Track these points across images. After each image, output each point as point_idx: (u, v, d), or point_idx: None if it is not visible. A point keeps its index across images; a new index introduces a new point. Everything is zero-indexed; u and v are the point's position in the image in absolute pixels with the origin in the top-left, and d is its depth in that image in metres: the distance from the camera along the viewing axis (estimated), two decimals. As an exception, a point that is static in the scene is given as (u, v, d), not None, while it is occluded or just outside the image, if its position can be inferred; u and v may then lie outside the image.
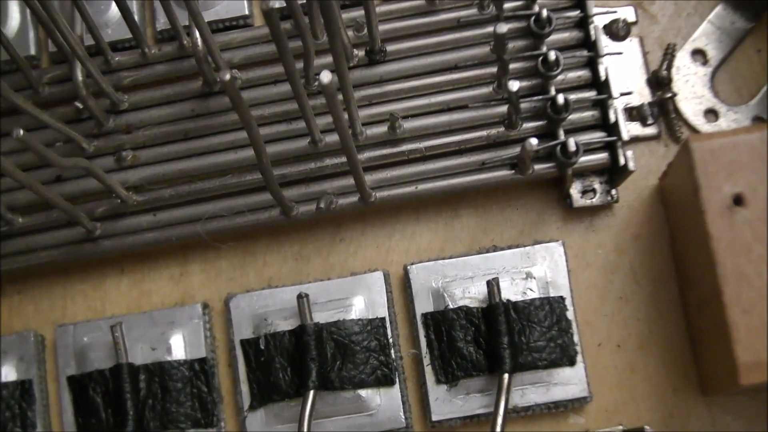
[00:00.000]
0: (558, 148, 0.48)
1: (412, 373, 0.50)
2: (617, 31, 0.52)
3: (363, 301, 0.50)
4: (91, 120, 0.52)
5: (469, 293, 0.49)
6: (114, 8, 0.53)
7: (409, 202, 0.51)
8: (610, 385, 0.49)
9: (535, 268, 0.49)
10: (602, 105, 0.50)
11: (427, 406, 0.48)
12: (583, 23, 0.51)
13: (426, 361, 0.49)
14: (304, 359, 0.47)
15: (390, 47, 0.51)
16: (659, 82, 0.52)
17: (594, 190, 0.51)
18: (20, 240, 0.51)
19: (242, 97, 0.39)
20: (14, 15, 0.55)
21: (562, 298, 0.49)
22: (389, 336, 0.49)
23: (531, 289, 0.49)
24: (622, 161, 0.48)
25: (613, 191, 0.51)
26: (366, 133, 0.50)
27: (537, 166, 0.49)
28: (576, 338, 0.48)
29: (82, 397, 0.50)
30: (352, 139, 0.44)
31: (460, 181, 0.50)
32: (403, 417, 0.48)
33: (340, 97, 0.45)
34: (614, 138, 0.49)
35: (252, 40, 0.52)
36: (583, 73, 0.50)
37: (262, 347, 0.49)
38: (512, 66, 0.50)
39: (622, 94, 0.50)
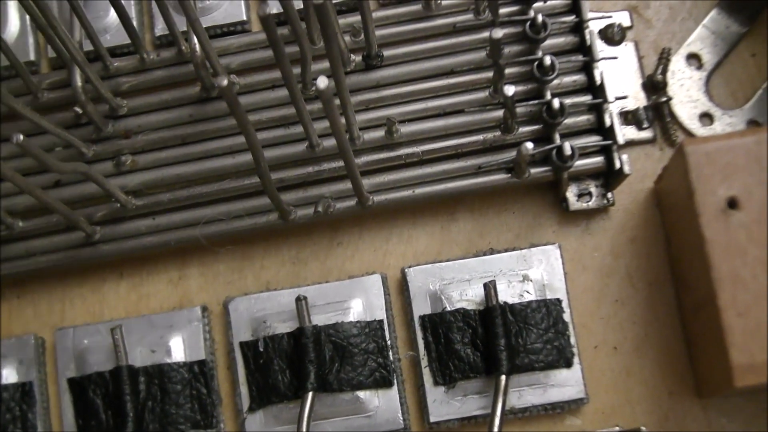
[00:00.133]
0: (554, 152, 0.49)
1: (410, 374, 0.50)
2: (612, 35, 0.53)
3: (361, 303, 0.50)
4: (90, 125, 0.52)
5: (467, 296, 0.49)
6: (113, 14, 0.53)
7: (406, 206, 0.51)
8: (606, 387, 0.49)
9: (532, 271, 0.50)
10: (598, 109, 0.50)
11: (424, 407, 0.49)
12: (578, 28, 0.51)
13: (424, 363, 0.49)
14: (303, 361, 0.47)
15: (387, 52, 0.51)
16: (654, 86, 0.52)
17: (590, 194, 0.51)
18: (20, 244, 0.52)
19: (240, 102, 0.40)
20: (13, 21, 0.55)
21: (558, 301, 0.49)
22: (387, 338, 0.50)
23: (528, 292, 0.49)
24: (617, 165, 0.49)
25: (609, 195, 0.51)
26: (363, 138, 0.50)
27: (533, 170, 0.50)
28: (573, 340, 0.49)
29: (82, 399, 0.50)
30: (349, 143, 0.45)
31: (457, 184, 0.50)
32: (401, 418, 0.49)
33: (337, 101, 0.46)
34: (610, 142, 0.49)
35: (249, 45, 0.53)
36: (579, 78, 0.51)
37: (261, 349, 0.49)
38: (508, 71, 0.50)
39: (618, 98, 0.51)
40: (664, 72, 0.52)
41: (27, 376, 0.51)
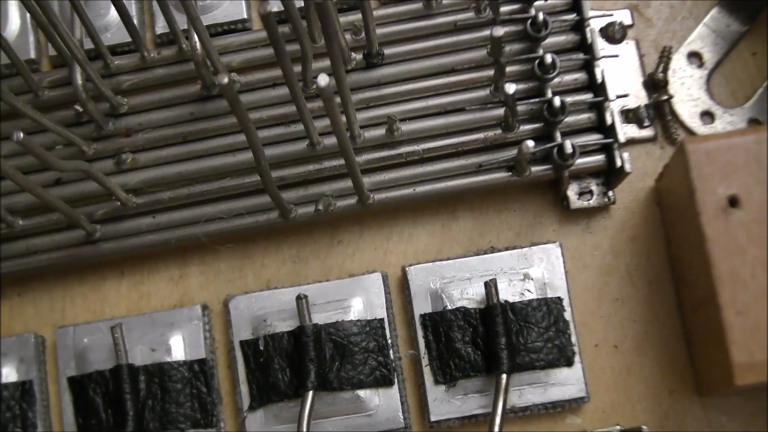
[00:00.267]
0: (554, 150, 0.49)
1: (410, 373, 0.50)
2: (613, 34, 0.53)
3: (361, 302, 0.50)
4: (91, 123, 0.52)
5: (467, 294, 0.49)
6: (113, 12, 0.53)
7: (407, 204, 0.51)
8: (606, 385, 0.49)
9: (533, 270, 0.50)
10: (598, 107, 0.50)
11: (425, 406, 0.49)
12: (579, 26, 0.51)
13: (424, 361, 0.49)
14: (303, 360, 0.47)
15: (387, 50, 0.51)
16: (655, 84, 0.52)
17: (590, 192, 0.51)
18: (20, 242, 0.52)
19: (240, 100, 0.40)
20: (14, 19, 0.55)
21: (559, 299, 0.49)
22: (388, 337, 0.49)
23: (528, 290, 0.49)
24: (618, 163, 0.49)
25: (610, 193, 0.51)
26: (364, 136, 0.50)
27: (534, 169, 0.50)
28: (573, 339, 0.49)
29: (82, 397, 0.50)
30: (349, 141, 0.45)
31: (458, 183, 0.50)
32: (402, 417, 0.49)
33: (338, 100, 0.46)
34: (610, 140, 0.49)
35: (250, 43, 0.53)
36: (580, 76, 0.51)
37: (261, 348, 0.49)
38: (509, 69, 0.50)
39: (618, 97, 0.51)
40: (665, 70, 0.52)
41: (27, 374, 0.51)
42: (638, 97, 0.52)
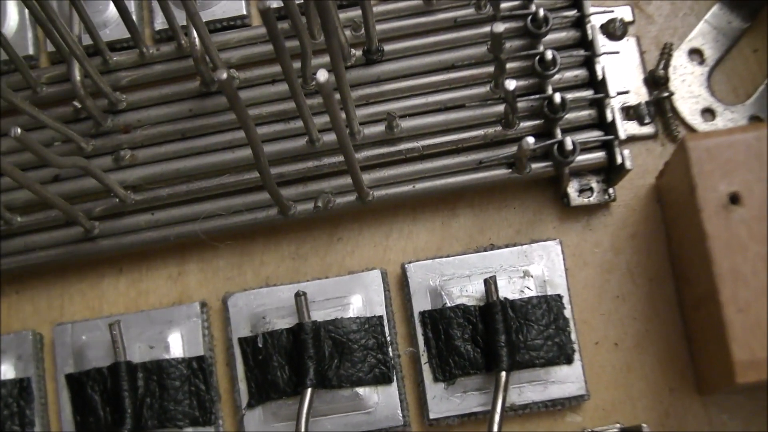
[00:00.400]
0: (555, 147, 0.48)
1: (409, 371, 0.50)
2: (614, 30, 0.53)
3: (361, 299, 0.50)
4: (90, 120, 0.52)
5: (467, 292, 0.49)
6: (112, 8, 0.53)
7: (406, 201, 0.51)
8: (607, 383, 0.49)
9: (533, 267, 0.50)
10: (599, 104, 0.50)
11: (424, 404, 0.49)
12: (580, 23, 0.51)
13: (423, 359, 0.49)
14: (302, 357, 0.47)
15: (387, 47, 0.51)
16: (656, 81, 0.52)
17: (591, 189, 0.51)
18: (19, 239, 0.51)
19: (239, 96, 0.39)
20: (12, 15, 0.55)
21: (559, 297, 0.49)
22: (387, 334, 0.49)
23: (528, 288, 0.49)
24: (618, 160, 0.48)
25: (610, 190, 0.51)
26: (363, 133, 0.50)
27: (534, 165, 0.50)
28: (573, 336, 0.48)
29: (80, 395, 0.50)
30: (349, 138, 0.44)
31: (458, 180, 0.50)
32: (401, 415, 0.49)
33: (338, 96, 0.45)
34: (611, 137, 0.49)
35: (249, 39, 0.52)
36: (580, 73, 0.50)
37: (260, 345, 0.49)
38: (509, 65, 0.50)
39: (619, 93, 0.51)
40: (666, 67, 0.52)
41: (25, 371, 0.51)
42: (639, 94, 0.52)
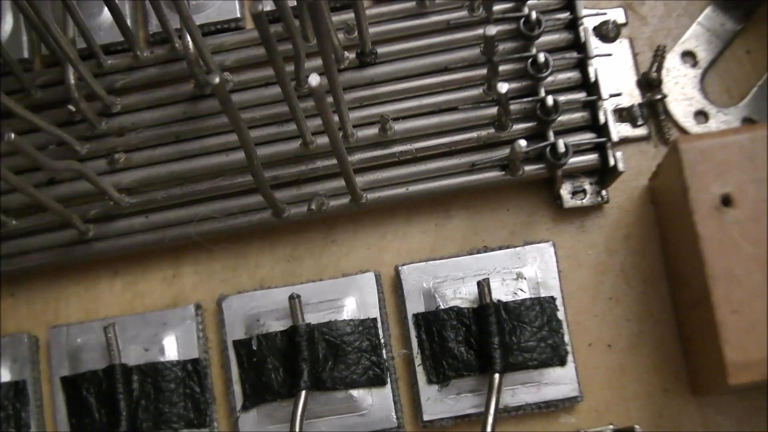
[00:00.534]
0: (547, 149, 0.48)
1: (403, 373, 0.50)
2: (607, 32, 0.53)
3: (355, 301, 0.50)
4: (84, 123, 0.52)
5: (460, 294, 0.49)
6: (106, 12, 0.53)
7: (400, 204, 0.51)
8: (600, 384, 0.49)
9: (526, 269, 0.50)
10: (592, 106, 0.50)
11: (418, 406, 0.49)
12: (572, 25, 0.51)
13: (417, 361, 0.49)
14: (296, 360, 0.47)
15: (381, 49, 0.51)
16: (649, 83, 0.52)
17: (584, 191, 0.51)
18: (14, 242, 0.51)
19: (232, 100, 0.39)
20: (7, 18, 0.55)
21: (552, 299, 0.49)
22: (381, 336, 0.49)
23: (522, 290, 0.49)
24: (611, 162, 0.49)
25: (604, 192, 0.51)
26: (357, 135, 0.50)
27: (527, 168, 0.50)
28: (567, 338, 0.49)
29: (75, 397, 0.50)
30: (342, 141, 0.45)
31: (451, 182, 0.50)
32: (395, 417, 0.49)
33: (331, 99, 0.46)
34: (604, 139, 0.49)
35: (243, 42, 0.53)
36: (573, 75, 0.51)
37: (255, 348, 0.49)
38: (502, 68, 0.50)
39: (612, 96, 0.51)
40: (659, 69, 0.52)
41: (21, 374, 0.51)
42: (632, 96, 0.52)
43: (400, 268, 0.50)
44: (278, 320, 0.50)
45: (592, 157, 0.50)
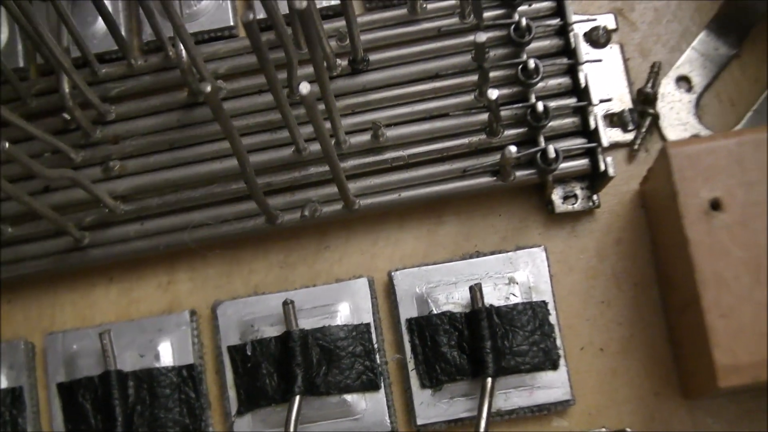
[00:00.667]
0: (538, 155, 0.49)
1: (397, 377, 0.50)
2: (597, 38, 0.53)
3: (348, 307, 0.50)
4: (79, 131, 0.52)
5: (453, 298, 0.50)
6: (100, 21, 0.53)
7: (393, 210, 0.52)
8: (592, 388, 0.50)
9: (518, 274, 0.50)
10: (582, 112, 0.50)
11: (412, 410, 0.49)
12: (563, 31, 0.51)
13: (410, 365, 0.49)
14: (290, 365, 0.48)
15: (373, 56, 0.52)
16: (645, 99, 0.52)
17: (575, 196, 0.51)
18: (9, 250, 0.52)
19: (223, 107, 0.40)
20: (3, 28, 0.55)
21: (544, 303, 0.49)
22: (374, 341, 0.50)
23: (514, 294, 0.49)
24: (602, 167, 0.49)
25: (595, 197, 0.51)
26: (349, 142, 0.50)
27: (518, 173, 0.50)
28: (559, 342, 0.49)
29: (71, 403, 0.50)
30: (334, 147, 0.45)
31: (443, 188, 0.50)
32: (389, 421, 0.49)
33: (322, 106, 0.46)
34: (594, 144, 0.49)
35: (236, 51, 0.53)
36: (564, 81, 0.51)
37: (249, 353, 0.50)
38: (493, 74, 0.50)
39: (602, 101, 0.51)
40: (654, 85, 0.52)
41: (17, 381, 0.51)
42: (622, 102, 0.53)
43: (393, 273, 0.51)
44: (272, 326, 0.50)
45: (582, 162, 0.50)
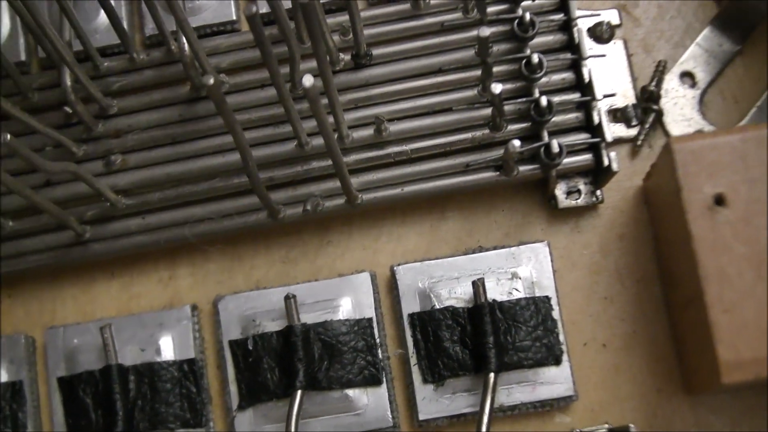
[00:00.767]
0: (542, 149, 0.49)
1: (399, 372, 0.50)
2: (601, 33, 0.53)
3: (350, 302, 0.50)
4: (81, 125, 0.52)
5: (455, 294, 0.49)
6: (103, 14, 0.53)
7: (395, 204, 0.52)
8: (595, 384, 0.50)
9: (521, 269, 0.50)
10: (586, 107, 0.50)
11: (414, 405, 0.49)
12: (566, 26, 0.51)
13: (413, 361, 0.49)
14: (292, 360, 0.48)
15: (376, 51, 0.52)
16: (648, 97, 0.52)
17: (579, 191, 0.51)
18: (10, 244, 0.52)
19: (226, 101, 0.40)
20: (5, 22, 0.55)
21: (547, 298, 0.49)
22: (376, 336, 0.50)
23: (516, 290, 0.49)
24: (605, 162, 0.49)
25: (598, 192, 0.51)
26: (352, 136, 0.50)
27: (522, 168, 0.50)
28: (561, 338, 0.49)
29: (72, 398, 0.50)
30: (336, 142, 0.45)
31: (446, 183, 0.50)
32: (391, 416, 0.49)
33: (325, 101, 0.46)
34: (598, 139, 0.49)
35: (239, 45, 0.53)
36: (567, 76, 0.51)
37: (250, 348, 0.49)
38: (496, 69, 0.50)
39: (606, 96, 0.51)
40: (659, 84, 0.52)
41: (17, 375, 0.51)
42: (626, 97, 0.52)
43: (395, 268, 0.50)
44: (274, 321, 0.50)
45: (586, 158, 0.50)
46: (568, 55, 0.51)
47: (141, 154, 0.52)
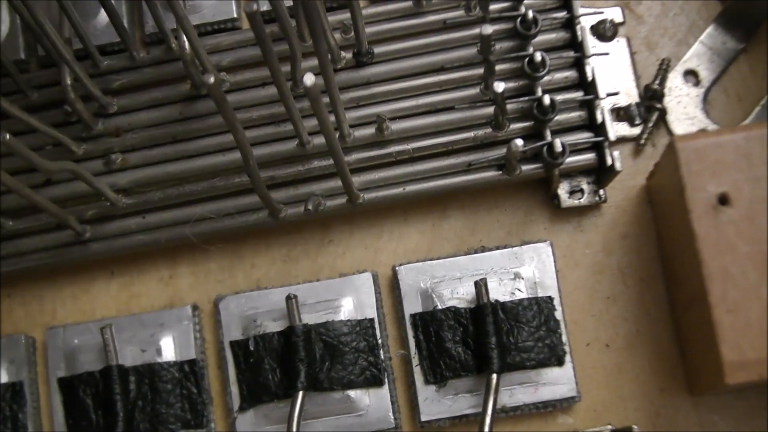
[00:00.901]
0: (544, 148, 0.48)
1: (400, 373, 0.50)
2: (604, 31, 0.53)
3: (352, 302, 0.50)
4: (80, 123, 0.52)
5: (458, 294, 0.49)
6: (103, 13, 0.53)
7: (397, 204, 0.51)
8: (598, 384, 0.49)
9: (523, 269, 0.50)
10: (589, 105, 0.50)
11: (416, 406, 0.49)
12: (569, 24, 0.51)
13: (415, 361, 0.49)
14: (293, 360, 0.47)
15: (377, 49, 0.51)
16: (652, 95, 0.52)
17: (582, 191, 0.51)
18: (10, 243, 0.51)
19: (227, 100, 0.39)
20: (5, 20, 0.55)
21: (550, 298, 0.49)
22: (378, 337, 0.49)
23: (519, 290, 0.49)
24: (608, 161, 0.48)
25: (601, 191, 0.51)
26: (354, 135, 0.50)
27: (524, 167, 0.50)
28: (564, 338, 0.49)
29: (72, 398, 0.50)
30: (338, 141, 0.45)
31: (448, 182, 0.50)
32: (392, 417, 0.49)
33: (326, 99, 0.46)
34: (601, 138, 0.49)
35: (240, 43, 0.53)
36: (570, 74, 0.50)
37: (251, 348, 0.49)
38: (499, 67, 0.50)
39: (609, 95, 0.51)
40: (662, 82, 0.52)
41: (18, 375, 0.51)
42: (629, 95, 0.52)
43: (397, 268, 0.50)
44: (275, 321, 0.50)
45: (589, 157, 0.50)
46: (571, 53, 0.50)
47: (141, 153, 0.52)
